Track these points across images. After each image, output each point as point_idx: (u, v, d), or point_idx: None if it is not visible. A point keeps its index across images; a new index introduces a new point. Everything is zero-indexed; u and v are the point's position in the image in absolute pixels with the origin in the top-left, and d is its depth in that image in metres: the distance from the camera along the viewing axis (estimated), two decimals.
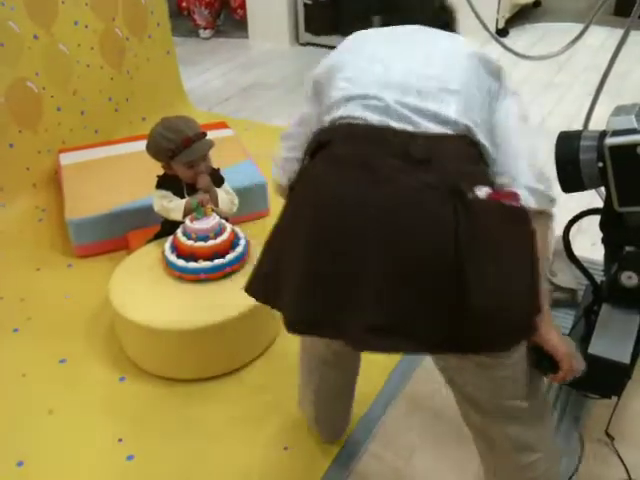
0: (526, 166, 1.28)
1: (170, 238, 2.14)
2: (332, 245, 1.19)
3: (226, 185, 2.36)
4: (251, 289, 1.39)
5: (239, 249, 2.11)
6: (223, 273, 2.07)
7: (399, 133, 1.23)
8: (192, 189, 2.24)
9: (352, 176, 1.20)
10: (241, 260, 2.11)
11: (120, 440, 1.87)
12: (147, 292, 2.08)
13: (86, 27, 3.14)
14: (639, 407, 1.90)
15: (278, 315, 1.29)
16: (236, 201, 2.33)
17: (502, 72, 1.36)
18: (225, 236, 2.09)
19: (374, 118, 1.25)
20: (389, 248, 1.15)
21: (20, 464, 1.81)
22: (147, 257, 2.21)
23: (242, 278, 2.06)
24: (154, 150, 2.21)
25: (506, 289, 1.18)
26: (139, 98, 3.51)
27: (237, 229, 2.19)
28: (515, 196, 1.23)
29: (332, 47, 1.52)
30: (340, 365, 1.65)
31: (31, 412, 1.97)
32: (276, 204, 2.79)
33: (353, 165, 1.21)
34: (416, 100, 1.26)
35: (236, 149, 3.02)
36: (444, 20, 1.51)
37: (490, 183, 1.23)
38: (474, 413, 1.39)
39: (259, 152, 3.05)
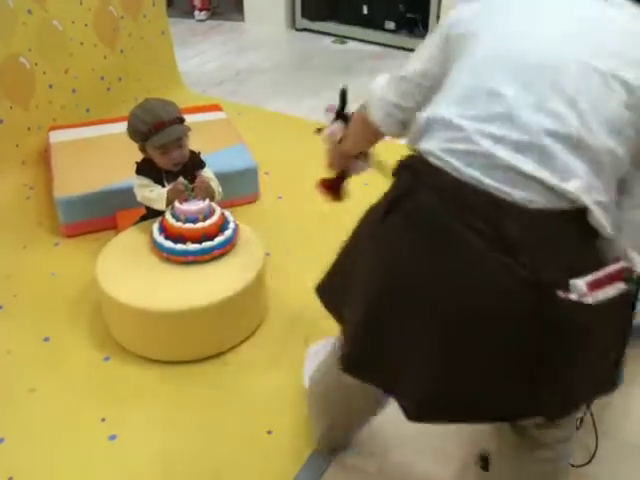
0: None
1: (159, 219, 2.13)
2: (398, 312, 1.16)
3: (207, 170, 2.28)
4: (320, 291, 1.43)
5: (228, 232, 2.10)
6: (211, 256, 2.06)
7: (493, 200, 1.07)
8: (171, 175, 2.19)
9: (433, 246, 1.10)
10: (229, 243, 2.10)
11: (103, 420, 1.86)
12: (134, 273, 2.06)
13: (81, 4, 3.11)
14: (625, 402, 1.91)
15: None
16: (219, 188, 2.26)
17: None
18: (214, 219, 2.08)
19: (471, 173, 1.09)
20: (458, 335, 1.10)
21: (0, 441, 1.80)
22: (135, 238, 2.20)
23: (230, 261, 2.08)
24: (129, 131, 2.17)
25: (584, 387, 1.17)
26: (132, 78, 3.48)
27: (227, 212, 2.17)
28: (622, 273, 1.09)
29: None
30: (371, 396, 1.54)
31: (13, 390, 1.96)
32: (266, 189, 2.80)
33: (435, 231, 1.10)
34: (534, 159, 1.07)
35: (229, 132, 3.00)
36: None
37: (598, 263, 1.08)
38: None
39: (252, 136, 3.04)
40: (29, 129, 2.99)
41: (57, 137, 2.91)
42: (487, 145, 1.08)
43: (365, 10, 4.70)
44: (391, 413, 1.89)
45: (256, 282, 2.08)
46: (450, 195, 1.10)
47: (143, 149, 2.18)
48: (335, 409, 1.66)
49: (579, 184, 1.05)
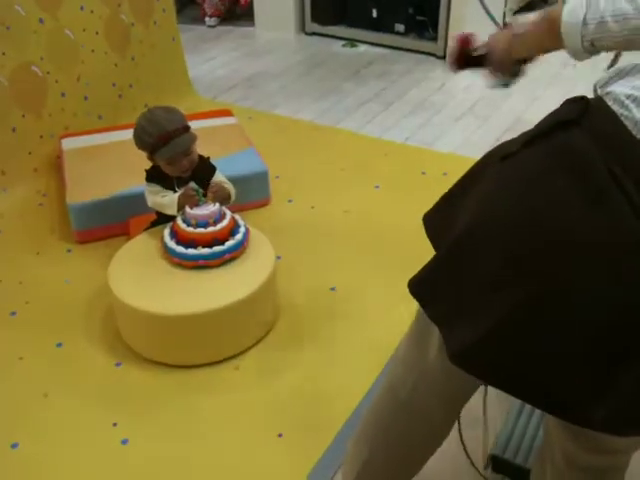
0: None
1: (170, 224, 2.14)
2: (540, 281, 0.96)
3: (219, 175, 2.29)
4: (426, 220, 1.21)
5: (239, 236, 2.10)
6: (222, 260, 2.06)
7: None
8: (182, 180, 2.20)
9: (566, 195, 0.94)
10: (240, 247, 2.10)
11: (115, 424, 1.87)
12: (146, 278, 2.08)
13: (92, 12, 3.14)
14: None
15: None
16: (233, 190, 2.27)
17: None
18: (225, 223, 2.09)
19: None
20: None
21: (15, 446, 1.81)
22: (147, 243, 2.21)
23: (240, 265, 2.09)
24: (136, 142, 2.17)
25: None
26: (143, 85, 3.50)
27: (237, 216, 2.18)
28: None
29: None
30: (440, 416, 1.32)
31: (27, 395, 1.97)
32: (277, 194, 2.82)
33: (575, 176, 0.94)
34: None
35: (239, 137, 3.01)
36: None
37: None
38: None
39: (262, 140, 3.05)
40: (41, 137, 3.01)
41: (69, 144, 2.93)
42: None
43: (374, 13, 4.70)
44: None
45: (267, 286, 2.08)
46: (611, 146, 0.93)
47: (151, 158, 2.19)
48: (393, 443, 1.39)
49: None
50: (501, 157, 1.05)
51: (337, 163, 3.14)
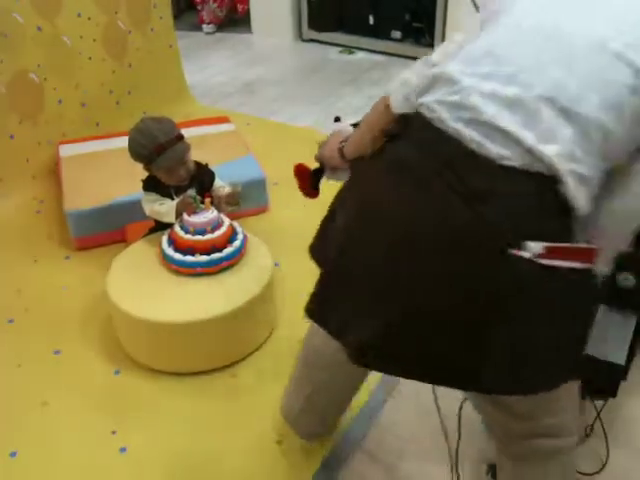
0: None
1: (167, 231, 2.14)
2: (361, 248, 1.19)
3: (219, 181, 2.30)
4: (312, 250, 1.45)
5: (236, 243, 2.10)
6: (220, 267, 2.06)
7: (469, 153, 1.10)
8: (179, 188, 2.19)
9: (404, 195, 1.14)
10: (238, 255, 2.10)
11: (114, 432, 1.87)
12: (144, 285, 2.07)
13: (89, 19, 3.14)
14: (634, 408, 1.89)
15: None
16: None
17: None
18: (223, 230, 2.09)
19: (454, 125, 1.11)
20: (414, 279, 1.12)
21: (13, 454, 1.81)
22: (144, 250, 2.21)
23: (238, 272, 2.09)
24: (131, 154, 2.17)
25: (531, 360, 1.13)
26: (141, 91, 3.50)
27: (235, 224, 2.18)
28: (590, 254, 1.10)
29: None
30: (346, 372, 1.56)
31: (25, 403, 1.97)
32: (275, 200, 2.81)
33: (409, 182, 1.14)
34: (520, 119, 1.08)
35: (237, 144, 3.01)
36: None
37: (560, 236, 1.08)
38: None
39: (260, 147, 3.06)
40: (39, 144, 3.01)
41: (67, 151, 2.93)
42: (476, 100, 1.10)
43: (371, 20, 4.72)
44: (401, 418, 1.90)
45: (265, 293, 2.08)
46: (428, 145, 1.14)
47: (148, 168, 2.19)
48: (314, 400, 1.65)
49: (558, 150, 1.05)
50: (351, 171, 1.32)
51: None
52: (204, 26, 5.20)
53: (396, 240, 1.13)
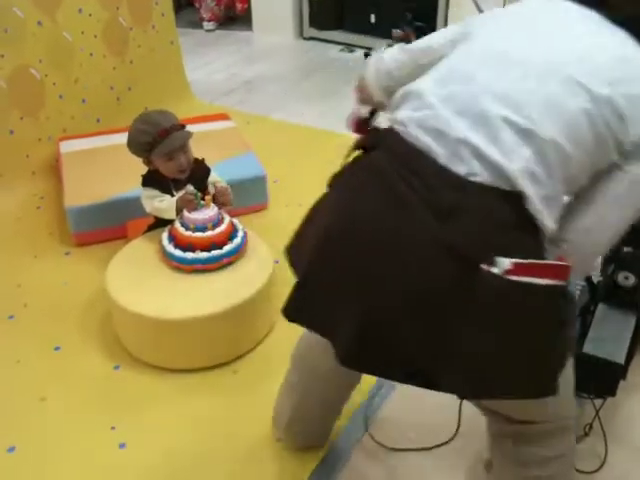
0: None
1: (168, 228, 2.14)
2: (335, 257, 1.21)
3: (215, 176, 2.31)
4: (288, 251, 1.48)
5: (237, 240, 2.10)
6: (220, 264, 2.06)
7: (438, 168, 1.14)
8: (179, 183, 2.20)
9: (377, 202, 1.17)
10: (238, 251, 2.10)
11: (113, 428, 1.87)
12: (144, 282, 2.07)
13: (90, 15, 3.14)
14: (633, 407, 1.90)
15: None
16: (229, 190, 2.26)
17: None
18: (223, 227, 2.09)
19: (424, 140, 1.16)
20: (377, 287, 1.15)
21: (11, 450, 1.81)
22: (145, 247, 2.21)
23: (239, 269, 2.09)
24: (133, 146, 2.19)
25: (496, 377, 1.15)
26: (141, 88, 3.50)
27: (235, 221, 2.18)
28: (556, 270, 1.11)
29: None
30: (335, 378, 1.60)
31: (24, 399, 1.96)
32: (275, 198, 2.81)
33: (382, 190, 1.17)
34: (485, 137, 1.13)
35: (237, 141, 3.02)
36: None
37: (528, 252, 1.10)
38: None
39: (261, 145, 3.05)
40: (39, 140, 3.01)
41: (67, 147, 2.93)
42: (446, 116, 1.15)
43: (372, 19, 4.71)
44: (401, 416, 1.90)
45: (265, 290, 2.08)
46: (400, 157, 1.17)
47: (148, 162, 2.20)
48: (301, 409, 1.68)
49: (520, 166, 1.09)
50: (329, 183, 1.34)
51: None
52: (204, 23, 5.19)
53: (364, 250, 1.16)
